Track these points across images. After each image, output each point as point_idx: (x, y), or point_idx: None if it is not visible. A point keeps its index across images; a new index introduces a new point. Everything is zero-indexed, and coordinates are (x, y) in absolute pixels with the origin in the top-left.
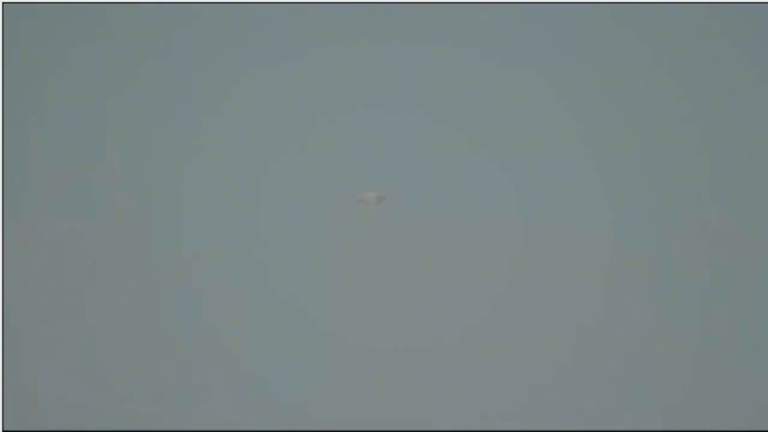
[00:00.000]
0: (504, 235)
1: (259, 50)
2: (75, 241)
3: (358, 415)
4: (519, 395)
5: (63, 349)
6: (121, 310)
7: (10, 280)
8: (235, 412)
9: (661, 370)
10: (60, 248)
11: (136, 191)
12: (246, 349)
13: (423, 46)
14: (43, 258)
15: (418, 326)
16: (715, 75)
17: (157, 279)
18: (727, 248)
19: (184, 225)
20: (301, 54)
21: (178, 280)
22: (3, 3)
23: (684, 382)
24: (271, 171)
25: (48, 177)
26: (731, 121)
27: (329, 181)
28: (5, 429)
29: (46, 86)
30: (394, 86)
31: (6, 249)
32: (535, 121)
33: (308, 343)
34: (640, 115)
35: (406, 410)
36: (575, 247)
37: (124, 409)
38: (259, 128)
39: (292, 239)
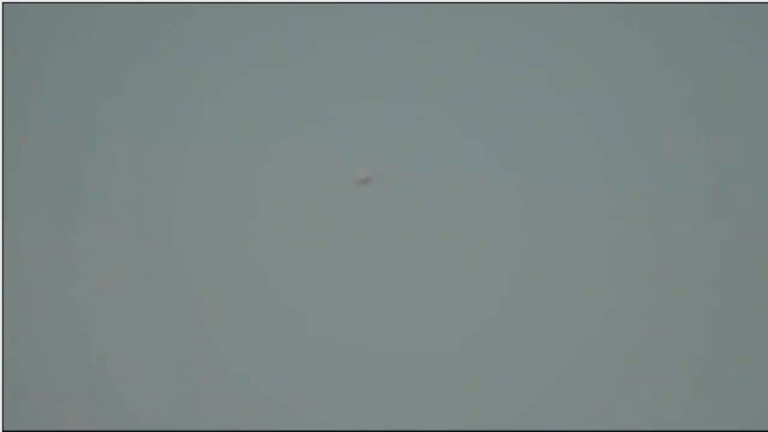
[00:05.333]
0: (505, 233)
1: (255, 48)
2: (74, 242)
3: (356, 414)
4: (518, 393)
5: (63, 349)
6: (120, 310)
7: (10, 281)
8: (232, 411)
9: (664, 371)
10: (59, 248)
11: (133, 190)
12: (245, 348)
13: (418, 43)
14: (42, 258)
15: (416, 325)
16: (717, 72)
17: (155, 277)
18: (729, 247)
19: (182, 223)
20: (297, 52)
21: (176, 280)
22: (3, 3)
23: (687, 382)
24: (268, 167)
25: (47, 176)
26: (733, 119)
27: (328, 179)
28: (5, 429)
29: (46, 86)
30: (392, 81)
31: (6, 249)
32: (537, 116)
33: (306, 342)
34: (642, 113)
35: (405, 410)
36: (577, 244)
37: (124, 409)
38: (255, 126)
39: (290, 238)
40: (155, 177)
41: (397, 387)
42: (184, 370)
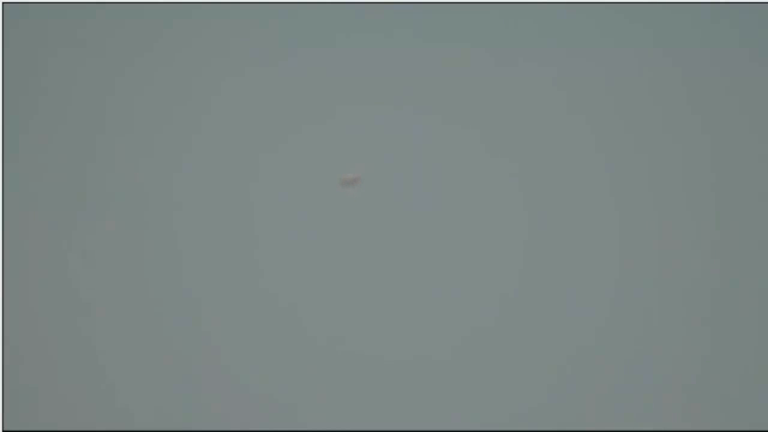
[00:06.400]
0: (505, 234)
1: (251, 49)
2: (74, 241)
3: (355, 414)
4: (518, 395)
5: (63, 349)
6: (120, 310)
7: (10, 281)
8: (231, 411)
9: (666, 373)
10: (60, 248)
11: (131, 190)
12: (244, 349)
13: (416, 43)
14: (42, 258)
15: (418, 325)
16: (719, 72)
17: (153, 277)
18: (730, 248)
19: (179, 223)
20: (294, 53)
21: (175, 280)
22: (3, 3)
23: (689, 382)
24: (266, 168)
25: (46, 176)
26: (735, 121)
27: (326, 181)
28: (5, 429)
29: (45, 86)
30: (390, 82)
31: (6, 249)
32: (537, 116)
33: (307, 343)
34: (643, 114)
35: (406, 410)
36: (577, 246)
37: (124, 409)
38: (252, 126)
39: (289, 239)
40: (155, 177)
41: (397, 387)
42: (185, 371)
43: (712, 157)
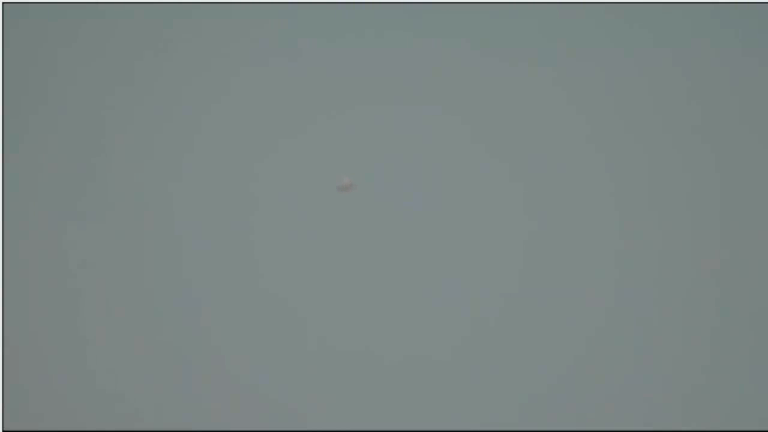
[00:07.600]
0: (506, 236)
1: (250, 49)
2: (73, 242)
3: (354, 416)
4: (519, 397)
5: (62, 349)
6: (120, 310)
7: (10, 281)
8: (230, 412)
9: (669, 372)
10: (59, 249)
11: (131, 191)
12: (244, 351)
13: (415, 43)
14: (42, 258)
15: (420, 326)
16: (719, 73)
17: (152, 279)
18: (732, 249)
19: (179, 224)
20: (294, 53)
21: (174, 281)
22: (3, 3)
23: (691, 382)
24: (266, 169)
25: (46, 176)
26: (736, 121)
27: (326, 182)
28: (5, 429)
29: (46, 86)
30: (388, 83)
31: (6, 248)
32: (537, 118)
33: (307, 344)
34: (645, 115)
35: (404, 411)
36: (578, 246)
37: (123, 409)
38: (252, 127)
39: (289, 240)
40: (154, 178)
41: (397, 387)
42: (186, 373)
43: (713, 157)
